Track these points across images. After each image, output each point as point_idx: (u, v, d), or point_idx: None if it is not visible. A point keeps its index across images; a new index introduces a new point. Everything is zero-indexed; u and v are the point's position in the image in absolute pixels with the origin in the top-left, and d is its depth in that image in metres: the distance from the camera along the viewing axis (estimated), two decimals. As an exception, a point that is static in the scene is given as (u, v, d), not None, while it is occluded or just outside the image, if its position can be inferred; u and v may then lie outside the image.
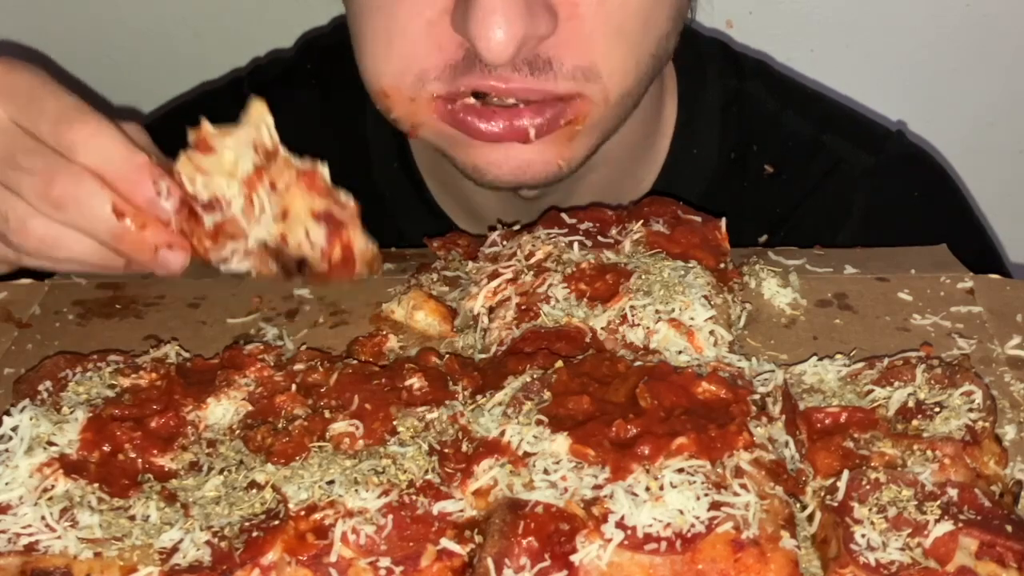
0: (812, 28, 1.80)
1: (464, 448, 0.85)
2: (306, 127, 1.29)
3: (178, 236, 0.96)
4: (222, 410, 0.91)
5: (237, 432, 0.89)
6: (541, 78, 1.07)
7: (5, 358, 1.04)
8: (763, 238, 1.32)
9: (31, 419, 0.87)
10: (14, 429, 0.86)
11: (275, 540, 0.77)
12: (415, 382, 0.91)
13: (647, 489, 0.78)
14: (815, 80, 1.63)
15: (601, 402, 0.86)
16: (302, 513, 0.79)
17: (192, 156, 0.96)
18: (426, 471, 0.82)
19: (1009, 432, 0.90)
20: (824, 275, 1.11)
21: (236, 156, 0.95)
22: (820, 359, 0.96)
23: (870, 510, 0.78)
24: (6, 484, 0.82)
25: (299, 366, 0.95)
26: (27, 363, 1.00)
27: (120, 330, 1.08)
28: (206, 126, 0.96)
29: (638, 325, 0.96)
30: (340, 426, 0.86)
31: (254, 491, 0.82)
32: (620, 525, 0.76)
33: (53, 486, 0.82)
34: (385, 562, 0.76)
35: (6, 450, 0.85)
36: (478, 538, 0.79)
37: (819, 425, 0.88)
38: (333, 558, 0.76)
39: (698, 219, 1.10)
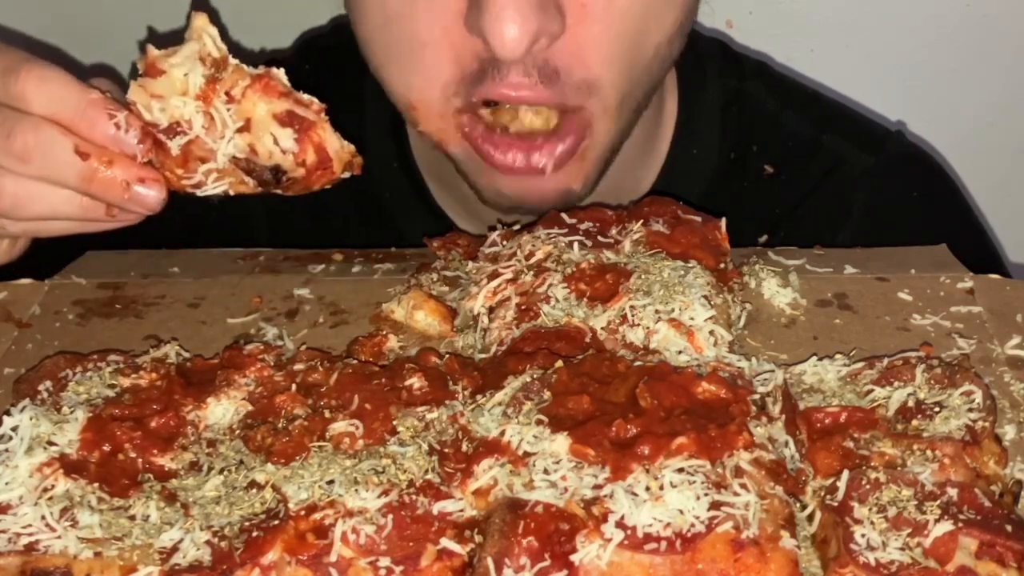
0: (812, 28, 1.81)
1: (464, 448, 0.85)
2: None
3: (148, 169, 0.95)
4: (222, 410, 0.91)
5: (237, 432, 0.89)
6: (550, 88, 1.08)
7: (5, 358, 1.04)
8: (763, 238, 1.32)
9: (31, 419, 0.87)
10: (14, 429, 0.86)
11: (275, 540, 0.77)
12: (415, 382, 0.91)
13: (647, 489, 0.78)
14: (815, 80, 1.63)
15: (601, 402, 0.86)
16: (302, 513, 0.79)
17: (143, 83, 0.94)
18: (426, 471, 0.82)
19: (1009, 432, 0.90)
20: (824, 275, 1.11)
21: (186, 73, 0.93)
22: (820, 359, 0.96)
23: (870, 510, 0.78)
24: (6, 484, 0.82)
25: (299, 366, 0.95)
26: (27, 363, 1.00)
27: (120, 330, 1.08)
28: (151, 50, 0.94)
29: (638, 325, 0.96)
30: (340, 426, 0.86)
31: (254, 491, 0.82)
32: (620, 525, 0.76)
33: (53, 486, 0.82)
34: (385, 562, 0.76)
35: (6, 450, 0.85)
36: (478, 538, 0.79)
37: (819, 425, 0.88)
38: (333, 558, 0.76)
39: (698, 219, 1.10)
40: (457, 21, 1.06)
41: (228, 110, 0.93)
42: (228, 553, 0.76)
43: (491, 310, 1.02)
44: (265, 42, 1.77)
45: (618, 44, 1.10)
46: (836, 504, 0.80)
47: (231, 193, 0.97)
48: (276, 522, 0.78)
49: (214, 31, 0.94)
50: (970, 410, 0.87)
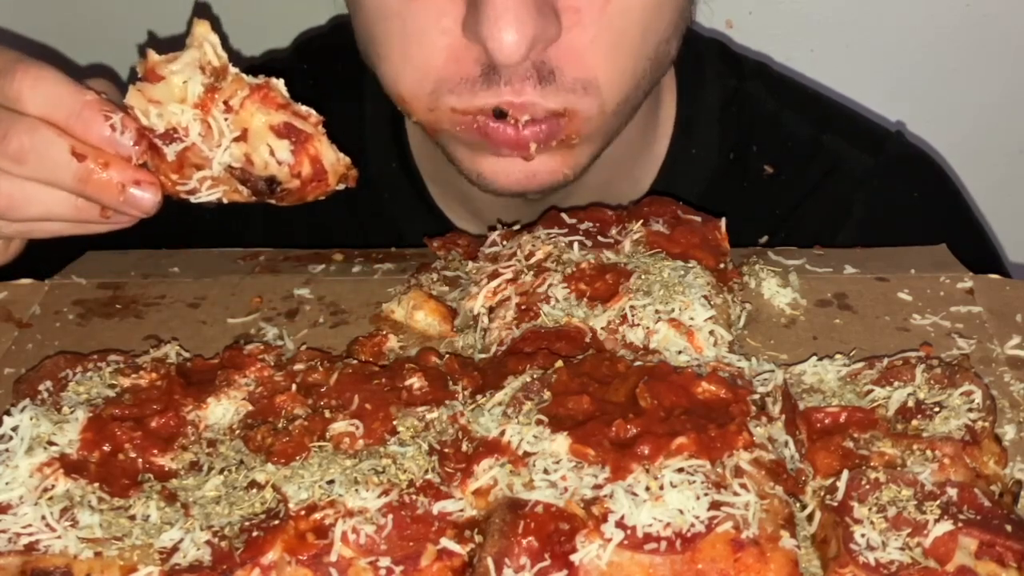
0: (812, 28, 1.81)
1: (464, 448, 0.85)
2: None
3: (144, 172, 0.94)
4: (222, 410, 0.91)
5: (237, 432, 0.89)
6: (546, 91, 1.08)
7: (5, 358, 1.04)
8: (763, 239, 1.32)
9: (31, 419, 0.87)
10: (14, 429, 0.86)
11: (275, 540, 0.77)
12: (415, 382, 0.91)
13: (647, 489, 0.78)
14: (815, 80, 1.64)
15: (601, 402, 0.86)
16: (302, 513, 0.79)
17: (142, 88, 0.94)
18: (426, 471, 0.82)
19: (1009, 432, 0.90)
20: (824, 275, 1.11)
21: (185, 80, 0.93)
22: (820, 359, 0.96)
23: (870, 510, 0.78)
24: (6, 484, 0.82)
25: (299, 366, 0.95)
26: (27, 363, 1.00)
27: (120, 330, 1.08)
28: (152, 55, 0.94)
29: (638, 325, 0.96)
30: (340, 426, 0.86)
31: (254, 491, 0.82)
32: (620, 525, 0.76)
33: (53, 486, 0.82)
34: (385, 562, 0.76)
35: (6, 450, 0.85)
36: (478, 538, 0.79)
37: (819, 425, 0.88)
38: (333, 558, 0.76)
39: (698, 219, 1.10)
40: (456, 24, 1.06)
41: (226, 119, 0.94)
42: (228, 553, 0.77)
43: (491, 310, 1.02)
44: (263, 42, 1.77)
45: (615, 46, 1.10)
46: (836, 504, 0.80)
47: (225, 201, 0.98)
48: (276, 522, 0.78)
49: (215, 39, 0.94)
50: (970, 410, 0.87)
